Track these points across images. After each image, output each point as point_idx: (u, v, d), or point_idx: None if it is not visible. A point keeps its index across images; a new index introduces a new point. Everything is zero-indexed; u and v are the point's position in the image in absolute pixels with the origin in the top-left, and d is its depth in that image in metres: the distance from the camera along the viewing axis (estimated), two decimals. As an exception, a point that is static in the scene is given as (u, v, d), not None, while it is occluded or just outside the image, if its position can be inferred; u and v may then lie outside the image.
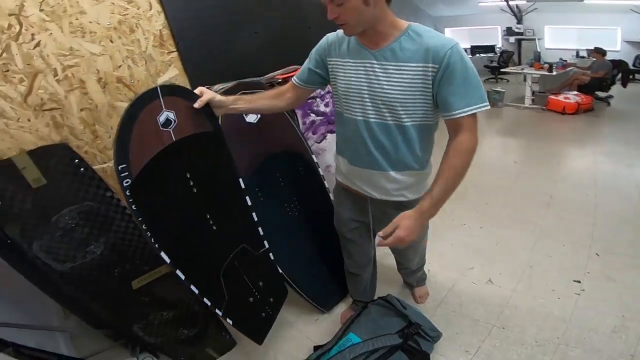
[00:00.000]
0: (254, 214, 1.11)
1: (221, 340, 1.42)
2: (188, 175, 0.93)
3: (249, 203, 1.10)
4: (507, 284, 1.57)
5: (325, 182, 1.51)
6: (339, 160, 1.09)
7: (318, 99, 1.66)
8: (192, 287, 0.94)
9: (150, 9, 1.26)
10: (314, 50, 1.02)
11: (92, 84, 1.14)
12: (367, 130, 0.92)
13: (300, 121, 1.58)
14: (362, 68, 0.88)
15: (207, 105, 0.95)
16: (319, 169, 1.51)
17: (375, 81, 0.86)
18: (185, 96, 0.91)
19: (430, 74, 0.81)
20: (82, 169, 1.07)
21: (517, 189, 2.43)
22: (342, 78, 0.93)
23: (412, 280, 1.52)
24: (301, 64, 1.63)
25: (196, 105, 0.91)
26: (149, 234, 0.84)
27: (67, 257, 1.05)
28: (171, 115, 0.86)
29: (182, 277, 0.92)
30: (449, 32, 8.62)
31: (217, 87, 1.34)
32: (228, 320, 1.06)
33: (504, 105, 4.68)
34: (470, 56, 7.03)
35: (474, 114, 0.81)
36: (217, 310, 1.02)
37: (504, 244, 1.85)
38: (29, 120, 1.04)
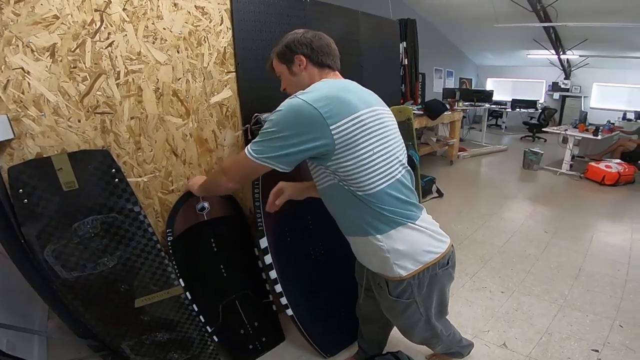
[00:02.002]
0: (271, 272, 1.25)
1: (208, 370, 1.34)
2: (212, 240, 1.31)
3: (266, 262, 1.25)
4: (522, 349, 1.53)
5: None
6: None
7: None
8: (193, 306, 1.20)
9: (221, 24, 1.25)
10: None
11: (149, 93, 1.11)
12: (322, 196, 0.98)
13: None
14: None
15: (233, 199, 1.28)
16: None
17: None
18: None
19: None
20: (117, 179, 1.03)
21: (545, 259, 2.37)
22: None
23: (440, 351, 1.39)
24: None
25: (270, 209, 1.13)
26: (174, 267, 1.16)
27: (77, 265, 1.00)
28: (206, 205, 1.28)
29: (189, 298, 1.18)
30: (490, 83, 8.48)
31: (266, 115, 1.30)
32: (215, 337, 1.28)
33: (540, 169, 4.41)
34: (510, 110, 6.87)
35: (245, 150, 0.82)
36: (207, 327, 1.25)
37: (524, 310, 1.81)
38: (79, 121, 1.01)
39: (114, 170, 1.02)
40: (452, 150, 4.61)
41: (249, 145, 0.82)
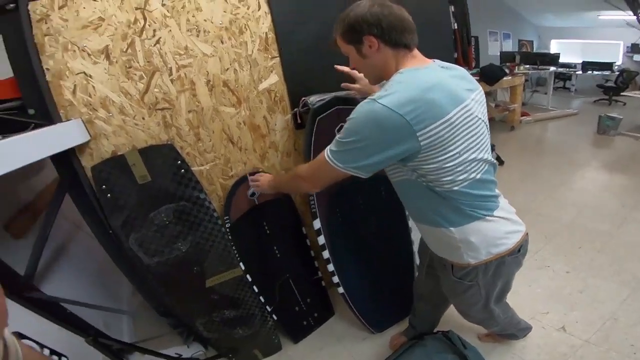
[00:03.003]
0: (324, 252, 1.30)
1: (270, 343, 1.48)
2: (264, 224, 1.39)
3: (319, 243, 1.29)
4: (582, 334, 1.43)
5: (406, 210, 1.44)
6: None
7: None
8: (254, 287, 1.31)
9: (259, 9, 1.22)
10: None
11: (201, 86, 1.15)
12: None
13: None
14: None
15: None
16: None
17: None
18: None
19: None
20: (182, 170, 1.10)
21: (620, 236, 2.11)
22: None
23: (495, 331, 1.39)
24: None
25: (348, 85, 1.18)
26: (235, 250, 1.25)
27: (156, 251, 1.11)
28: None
29: (249, 279, 1.29)
30: (555, 45, 7.59)
31: (314, 97, 1.29)
32: (274, 316, 1.40)
33: (617, 134, 3.88)
34: (580, 72, 6.20)
35: (324, 156, 0.80)
36: (267, 307, 1.36)
37: (589, 292, 1.66)
38: (143, 118, 1.08)
39: (179, 161, 1.09)
40: (513, 116, 4.22)
41: (328, 152, 0.79)
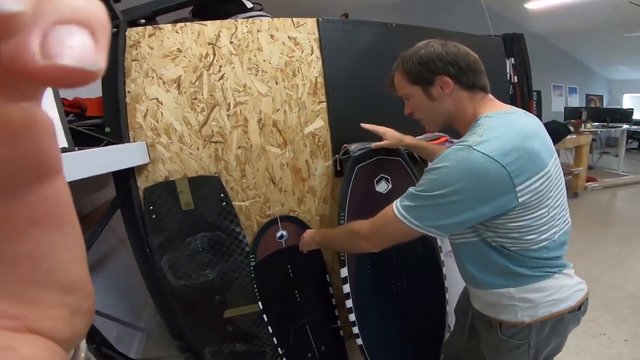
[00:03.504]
0: (348, 301, 1.25)
1: (276, 385, 1.41)
2: (289, 266, 1.38)
3: (344, 291, 1.24)
4: None
5: (444, 268, 1.39)
6: None
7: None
8: (269, 327, 1.29)
9: (312, 54, 1.29)
10: None
11: (253, 124, 1.23)
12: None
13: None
14: None
15: (308, 228, 1.31)
16: (441, 253, 1.40)
17: None
18: (295, 222, 1.37)
19: None
20: (224, 203, 1.16)
21: None
22: None
23: None
24: (445, 131, 1.49)
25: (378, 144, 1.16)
26: (255, 288, 1.26)
27: (184, 275, 1.16)
28: (284, 233, 1.34)
29: (265, 319, 1.29)
30: (628, 99, 7.08)
31: (355, 145, 1.31)
32: (284, 359, 1.36)
33: None
34: None
35: (393, 212, 0.70)
36: (279, 349, 1.33)
37: None
38: (198, 149, 1.17)
39: (222, 194, 1.16)
40: (577, 181, 3.89)
41: (399, 206, 0.69)
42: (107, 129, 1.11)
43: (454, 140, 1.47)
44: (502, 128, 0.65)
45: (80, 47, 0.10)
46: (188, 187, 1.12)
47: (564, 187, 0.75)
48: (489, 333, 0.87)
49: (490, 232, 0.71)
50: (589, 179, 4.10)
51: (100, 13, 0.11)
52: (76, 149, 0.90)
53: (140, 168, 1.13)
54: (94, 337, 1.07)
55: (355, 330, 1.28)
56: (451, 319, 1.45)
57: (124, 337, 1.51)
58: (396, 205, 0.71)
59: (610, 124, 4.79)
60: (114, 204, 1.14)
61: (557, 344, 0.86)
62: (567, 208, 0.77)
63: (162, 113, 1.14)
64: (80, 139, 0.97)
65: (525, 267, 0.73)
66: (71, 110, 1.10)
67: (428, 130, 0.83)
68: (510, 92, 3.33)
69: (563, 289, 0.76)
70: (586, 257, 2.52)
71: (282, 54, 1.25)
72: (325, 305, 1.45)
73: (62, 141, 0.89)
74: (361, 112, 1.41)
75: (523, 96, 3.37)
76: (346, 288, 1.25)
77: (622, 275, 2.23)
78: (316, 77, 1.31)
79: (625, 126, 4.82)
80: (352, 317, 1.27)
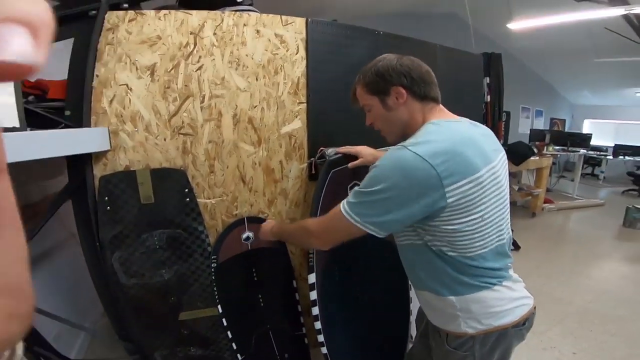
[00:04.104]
0: (314, 308, 1.22)
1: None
2: (253, 270, 1.33)
3: (310, 298, 1.21)
4: None
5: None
6: None
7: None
8: (228, 332, 1.24)
9: (297, 53, 1.27)
10: None
11: (227, 119, 1.18)
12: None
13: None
14: None
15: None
16: None
17: None
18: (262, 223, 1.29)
19: None
20: (188, 199, 1.10)
21: (637, 322, 2.03)
22: None
23: None
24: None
25: (354, 163, 1.15)
26: (215, 290, 1.21)
27: (137, 274, 1.09)
28: (251, 235, 1.28)
29: (224, 323, 1.24)
30: (588, 125, 7.61)
31: (332, 150, 1.30)
32: None
33: None
34: (611, 157, 6.05)
35: (339, 209, 0.75)
36: (238, 355, 1.28)
37: None
38: (164, 139, 1.11)
39: (187, 190, 1.10)
40: (535, 201, 4.13)
41: (345, 205, 0.74)
42: (67, 112, 1.03)
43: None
44: (440, 133, 0.71)
45: (19, 44, 0.11)
46: (150, 179, 1.05)
47: (506, 198, 0.79)
48: (438, 343, 0.89)
49: (429, 236, 0.75)
50: (546, 201, 4.38)
51: (44, 14, 0.12)
52: (28, 129, 0.83)
53: (99, 155, 1.05)
54: (26, 336, 0.97)
55: (321, 338, 1.26)
56: (414, 330, 1.49)
57: (65, 336, 1.40)
58: (342, 203, 0.75)
59: (570, 148, 5.12)
60: (64, 191, 1.05)
61: (502, 358, 0.88)
62: (508, 219, 0.80)
63: (130, 100, 1.07)
64: (36, 121, 0.91)
65: (464, 275, 0.76)
66: (32, 92, 1.05)
67: (388, 141, 0.86)
68: (482, 111, 3.48)
69: (503, 301, 0.78)
70: (540, 272, 2.69)
71: (266, 50, 1.22)
72: (291, 311, 1.42)
73: (14, 121, 0.82)
74: (341, 116, 1.40)
75: (494, 116, 3.53)
76: (313, 295, 1.22)
77: (571, 290, 2.40)
78: (299, 77, 1.29)
79: (583, 151, 5.19)
80: (317, 325, 1.24)
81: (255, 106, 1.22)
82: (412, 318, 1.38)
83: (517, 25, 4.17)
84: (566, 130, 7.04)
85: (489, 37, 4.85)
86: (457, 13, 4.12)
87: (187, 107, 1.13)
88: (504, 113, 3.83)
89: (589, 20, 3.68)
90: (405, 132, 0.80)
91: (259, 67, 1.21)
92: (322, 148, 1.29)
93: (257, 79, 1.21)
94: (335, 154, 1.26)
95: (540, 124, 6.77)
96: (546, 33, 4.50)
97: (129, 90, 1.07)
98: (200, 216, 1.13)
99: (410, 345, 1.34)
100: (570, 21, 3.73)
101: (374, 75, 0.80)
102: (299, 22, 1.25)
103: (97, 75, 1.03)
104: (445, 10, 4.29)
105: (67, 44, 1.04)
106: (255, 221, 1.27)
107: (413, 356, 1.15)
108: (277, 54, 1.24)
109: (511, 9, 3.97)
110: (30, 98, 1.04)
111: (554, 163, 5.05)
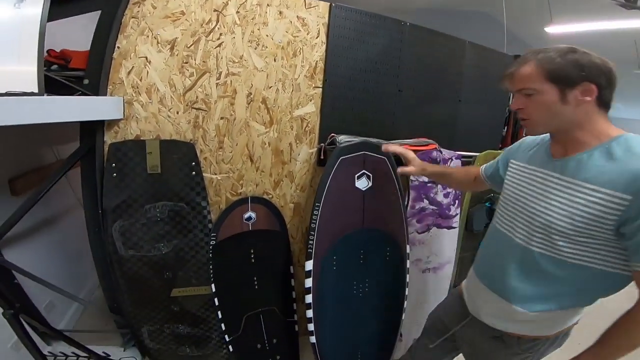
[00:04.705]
0: (308, 296, 1.21)
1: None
2: (251, 251, 1.31)
3: (305, 285, 1.20)
4: None
5: (407, 275, 1.37)
6: (470, 269, 1.00)
7: (439, 186, 1.46)
8: (218, 312, 1.24)
9: (317, 37, 1.27)
10: (506, 148, 0.96)
11: (241, 97, 1.18)
12: (510, 249, 0.79)
13: (409, 204, 1.40)
14: (533, 177, 0.78)
15: (280, 215, 1.30)
16: (407, 261, 1.37)
17: (540, 196, 0.74)
18: (267, 205, 1.31)
19: (616, 206, 0.63)
20: (194, 172, 1.09)
21: None
22: (509, 184, 0.84)
23: None
24: (436, 139, 1.44)
25: (404, 170, 1.07)
26: (211, 270, 1.19)
27: (136, 245, 1.08)
28: (253, 215, 1.28)
29: (216, 303, 1.23)
30: None
31: (343, 137, 1.27)
32: (230, 347, 1.30)
33: None
34: None
35: None
36: (226, 336, 1.27)
37: None
38: (177, 112, 1.11)
39: (194, 163, 1.09)
40: None
41: None
42: (86, 81, 1.05)
43: (442, 150, 1.45)
44: None
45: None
46: (158, 149, 1.05)
47: None
48: (494, 348, 0.86)
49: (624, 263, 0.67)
50: None
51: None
52: (45, 95, 0.85)
53: (111, 123, 1.06)
54: (13, 303, 0.97)
55: (311, 327, 1.23)
56: (405, 328, 1.45)
57: (58, 306, 1.41)
58: None
59: None
60: (75, 154, 1.06)
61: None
62: None
63: (147, 72, 1.08)
64: (56, 89, 0.94)
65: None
66: (56, 62, 1.08)
67: (529, 132, 0.78)
68: (505, 114, 3.34)
69: None
70: None
71: (286, 32, 1.22)
72: (284, 297, 1.39)
73: (34, 87, 0.85)
74: (357, 104, 1.38)
75: (516, 123, 3.37)
76: (308, 282, 1.19)
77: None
78: (317, 61, 1.28)
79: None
80: (309, 313, 1.22)
81: (271, 87, 1.22)
82: (405, 316, 1.37)
83: (556, 29, 3.97)
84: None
85: (524, 41, 4.62)
86: (489, 13, 3.98)
87: (202, 83, 1.13)
88: (528, 120, 3.68)
89: (635, 31, 3.47)
90: (562, 131, 0.73)
91: (278, 48, 1.21)
92: (333, 134, 1.27)
93: (275, 60, 1.21)
94: (347, 140, 1.23)
95: (566, 133, 6.61)
96: (586, 39, 4.30)
97: (147, 63, 1.08)
98: (205, 191, 1.12)
99: (398, 344, 1.35)
100: (613, 29, 3.51)
101: (568, 63, 0.69)
102: (322, 6, 1.24)
103: (119, 47, 1.05)
104: (477, 9, 4.16)
105: (94, 17, 1.06)
106: (259, 202, 1.26)
107: (422, 357, 1.12)
108: (298, 36, 1.23)
109: (552, 12, 3.77)
110: (54, 67, 1.07)
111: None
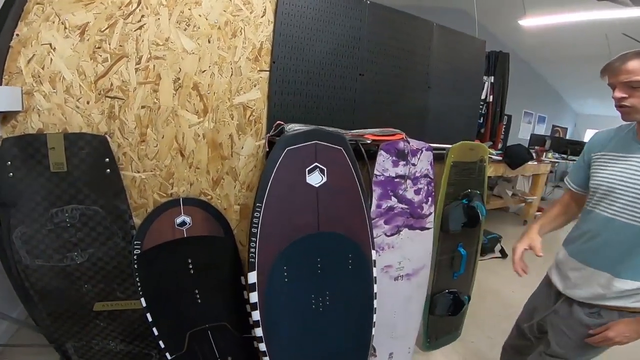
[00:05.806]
0: (255, 313, 1.07)
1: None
2: (189, 261, 1.13)
3: (251, 300, 1.07)
4: None
5: (375, 285, 1.23)
6: (559, 252, 1.11)
7: (409, 181, 1.30)
8: (154, 329, 1.09)
9: (263, 16, 1.16)
10: (585, 147, 1.06)
11: (167, 83, 1.04)
12: (610, 228, 0.87)
13: (374, 202, 1.24)
14: (624, 162, 0.88)
15: (224, 218, 1.16)
16: (374, 269, 1.23)
17: (635, 177, 0.83)
18: (204, 208, 1.15)
19: None
20: (108, 170, 0.95)
21: None
22: (599, 172, 0.93)
23: None
24: (404, 129, 1.30)
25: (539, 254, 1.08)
26: (138, 282, 1.03)
27: (43, 254, 0.95)
28: (187, 220, 1.12)
29: (150, 318, 1.07)
30: (590, 135, 7.38)
31: (292, 126, 1.12)
32: None
33: None
34: None
35: None
36: (167, 354, 1.13)
37: None
38: (87, 102, 0.97)
39: (107, 160, 0.95)
40: (529, 209, 3.96)
41: None
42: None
43: (410, 140, 1.29)
44: None
45: None
46: (63, 144, 0.90)
47: None
48: (593, 325, 0.92)
49: None
50: (539, 210, 4.19)
51: None
52: None
53: (8, 116, 0.92)
54: None
55: (263, 347, 1.09)
56: (379, 342, 1.32)
57: None
58: None
59: (569, 157, 4.94)
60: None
61: None
62: None
63: (51, 60, 0.95)
64: None
65: None
66: None
67: (626, 118, 0.90)
68: (483, 112, 3.25)
69: None
70: (528, 283, 2.48)
71: (224, 11, 1.10)
72: (237, 311, 1.25)
73: None
74: (310, 90, 1.25)
75: (495, 118, 3.26)
76: (254, 297, 1.05)
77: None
78: (262, 42, 1.16)
79: (582, 160, 4.96)
80: (259, 331, 1.06)
81: (204, 71, 1.08)
82: (375, 331, 1.24)
83: (529, 22, 3.98)
84: (567, 137, 6.97)
85: (496, 36, 4.68)
86: (466, 10, 3.94)
87: (118, 69, 0.99)
88: (505, 116, 3.56)
89: (606, 24, 3.44)
90: None
91: (214, 28, 1.09)
92: (280, 122, 1.12)
93: (209, 41, 1.08)
94: (297, 129, 1.08)
95: (542, 130, 6.69)
96: (559, 33, 4.33)
97: (51, 50, 0.95)
98: (124, 192, 0.98)
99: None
100: (586, 22, 3.56)
101: None
102: (271, -17, 1.12)
103: (17, 35, 0.92)
104: (453, 6, 4.13)
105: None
106: (194, 204, 1.12)
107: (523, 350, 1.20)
108: (238, 15, 1.12)
109: (525, 4, 3.77)
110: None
111: (551, 171, 4.82)
